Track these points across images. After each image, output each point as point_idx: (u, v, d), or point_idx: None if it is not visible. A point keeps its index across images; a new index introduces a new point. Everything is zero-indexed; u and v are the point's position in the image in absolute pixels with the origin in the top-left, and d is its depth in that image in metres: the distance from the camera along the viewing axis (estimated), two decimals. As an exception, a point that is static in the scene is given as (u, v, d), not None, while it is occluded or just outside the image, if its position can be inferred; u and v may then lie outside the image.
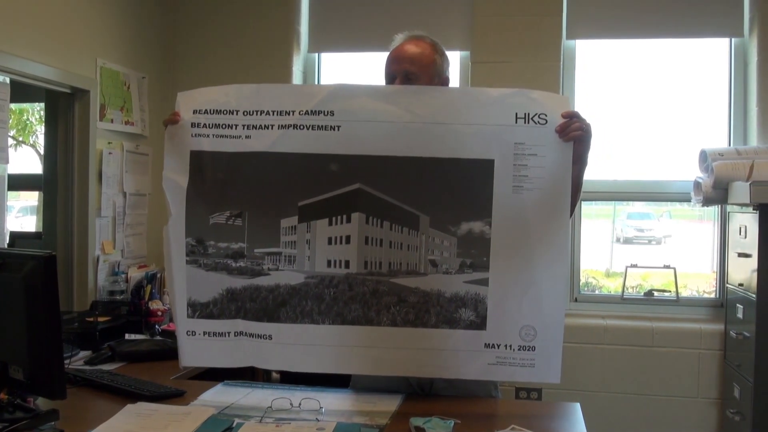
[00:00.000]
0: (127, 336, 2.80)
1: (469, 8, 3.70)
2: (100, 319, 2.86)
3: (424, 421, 1.65)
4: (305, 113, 1.79)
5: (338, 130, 1.79)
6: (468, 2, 3.70)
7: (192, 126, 1.81)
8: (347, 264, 1.82)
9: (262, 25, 3.85)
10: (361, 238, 1.82)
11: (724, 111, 3.65)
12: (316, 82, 4.01)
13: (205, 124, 1.81)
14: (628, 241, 4.76)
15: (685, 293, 3.75)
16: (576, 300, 3.73)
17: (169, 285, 1.86)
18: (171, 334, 2.56)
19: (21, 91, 3.10)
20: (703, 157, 3.29)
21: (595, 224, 4.03)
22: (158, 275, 3.37)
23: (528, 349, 1.79)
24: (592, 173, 3.03)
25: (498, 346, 1.80)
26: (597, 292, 3.94)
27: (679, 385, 3.47)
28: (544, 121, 1.77)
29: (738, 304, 3.18)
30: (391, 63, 1.96)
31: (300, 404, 1.78)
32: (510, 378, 1.84)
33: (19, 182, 4.69)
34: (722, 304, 3.53)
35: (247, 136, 1.80)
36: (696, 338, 3.46)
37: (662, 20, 3.59)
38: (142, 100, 3.68)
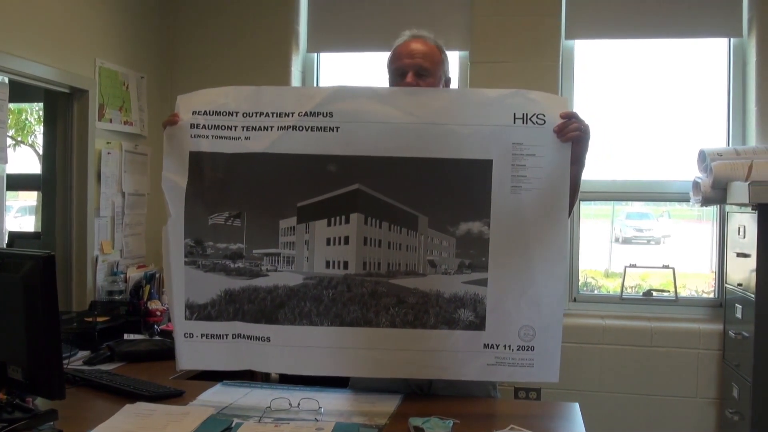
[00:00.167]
0: (125, 336, 2.80)
1: (468, 8, 3.70)
2: (99, 319, 2.86)
3: (423, 421, 1.65)
4: (304, 115, 1.79)
5: (337, 131, 1.79)
6: (467, 2, 3.70)
7: (191, 127, 1.81)
8: (346, 265, 1.82)
9: (261, 25, 3.85)
10: (359, 239, 1.81)
11: (722, 111, 3.65)
12: (315, 83, 4.01)
13: (204, 125, 1.81)
14: (627, 241, 4.76)
15: (684, 293, 3.74)
16: (575, 300, 3.73)
17: (168, 286, 1.86)
18: (170, 334, 2.55)
19: (20, 91, 3.10)
20: (702, 157, 3.29)
21: (594, 224, 4.03)
22: (157, 275, 3.37)
23: (527, 349, 1.79)
24: (590, 173, 3.04)
25: (497, 347, 1.80)
26: (596, 292, 3.94)
27: (678, 385, 3.47)
28: (543, 122, 1.77)
29: (737, 304, 3.18)
30: (400, 58, 1.95)
31: (299, 404, 1.78)
32: (509, 378, 1.84)
33: (18, 182, 4.67)
34: (721, 304, 3.53)
35: (246, 137, 1.80)
36: (695, 338, 3.46)
37: (661, 20, 3.59)
38: (141, 100, 3.68)
